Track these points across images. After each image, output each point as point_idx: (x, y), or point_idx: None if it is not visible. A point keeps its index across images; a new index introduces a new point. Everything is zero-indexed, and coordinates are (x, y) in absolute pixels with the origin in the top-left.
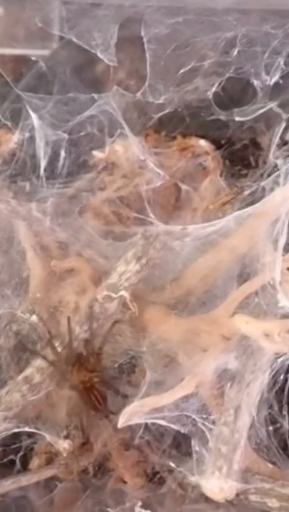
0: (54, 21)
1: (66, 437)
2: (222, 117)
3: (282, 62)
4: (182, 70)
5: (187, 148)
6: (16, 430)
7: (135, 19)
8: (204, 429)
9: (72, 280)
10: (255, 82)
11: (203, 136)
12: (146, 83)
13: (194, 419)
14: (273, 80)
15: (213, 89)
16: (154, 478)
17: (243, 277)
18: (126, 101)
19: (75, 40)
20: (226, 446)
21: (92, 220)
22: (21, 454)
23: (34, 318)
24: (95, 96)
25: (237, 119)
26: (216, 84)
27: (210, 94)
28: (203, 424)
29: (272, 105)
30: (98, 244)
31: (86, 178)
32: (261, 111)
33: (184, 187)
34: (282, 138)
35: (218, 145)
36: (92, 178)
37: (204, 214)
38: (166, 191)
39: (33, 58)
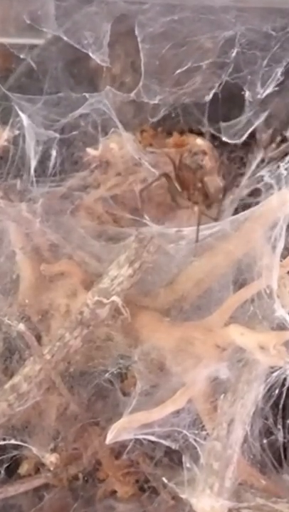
0: (44, 18)
1: (53, 450)
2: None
3: (279, 73)
4: (178, 71)
5: (184, 145)
6: (2, 443)
7: (131, 11)
8: (196, 444)
9: (63, 282)
10: (247, 94)
11: (200, 133)
12: (141, 83)
13: (185, 434)
14: (265, 93)
15: (211, 95)
16: (146, 490)
17: (239, 283)
18: (120, 100)
19: (65, 38)
20: (218, 462)
21: (85, 219)
22: (8, 464)
23: (21, 326)
24: (87, 95)
25: (224, 139)
26: (214, 89)
27: (207, 98)
28: (195, 439)
29: (259, 121)
30: (91, 245)
31: (79, 176)
32: (251, 129)
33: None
34: (281, 134)
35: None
36: (85, 177)
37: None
38: (162, 190)
39: (21, 56)
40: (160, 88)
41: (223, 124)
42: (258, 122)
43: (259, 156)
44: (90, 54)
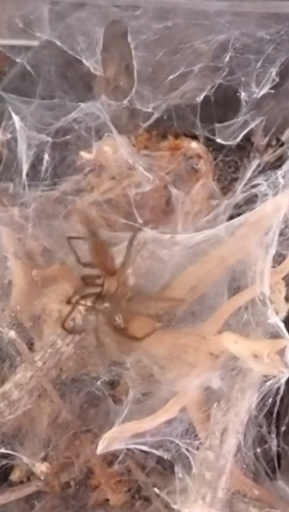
0: (37, 21)
1: (44, 459)
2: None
3: (273, 73)
4: (171, 77)
5: (178, 149)
6: None
7: (123, 17)
8: (188, 454)
9: (55, 288)
10: (243, 94)
11: (195, 137)
12: (134, 90)
13: (178, 444)
14: (262, 93)
15: (202, 96)
16: (138, 499)
17: (233, 289)
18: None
19: (58, 43)
20: (211, 472)
21: (78, 224)
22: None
23: (12, 333)
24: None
25: (218, 140)
26: (206, 91)
27: (198, 99)
28: (187, 449)
29: (254, 124)
30: (84, 250)
31: (72, 180)
32: (245, 131)
33: (174, 190)
34: (277, 138)
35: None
36: (78, 181)
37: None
38: (156, 194)
39: (15, 58)
40: (153, 95)
41: (218, 125)
42: (252, 125)
43: (254, 160)
44: (84, 61)
